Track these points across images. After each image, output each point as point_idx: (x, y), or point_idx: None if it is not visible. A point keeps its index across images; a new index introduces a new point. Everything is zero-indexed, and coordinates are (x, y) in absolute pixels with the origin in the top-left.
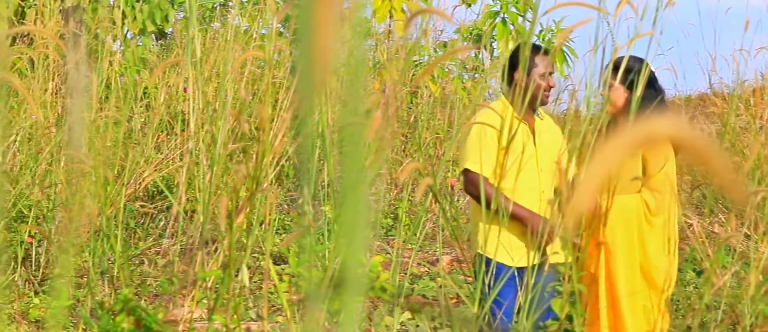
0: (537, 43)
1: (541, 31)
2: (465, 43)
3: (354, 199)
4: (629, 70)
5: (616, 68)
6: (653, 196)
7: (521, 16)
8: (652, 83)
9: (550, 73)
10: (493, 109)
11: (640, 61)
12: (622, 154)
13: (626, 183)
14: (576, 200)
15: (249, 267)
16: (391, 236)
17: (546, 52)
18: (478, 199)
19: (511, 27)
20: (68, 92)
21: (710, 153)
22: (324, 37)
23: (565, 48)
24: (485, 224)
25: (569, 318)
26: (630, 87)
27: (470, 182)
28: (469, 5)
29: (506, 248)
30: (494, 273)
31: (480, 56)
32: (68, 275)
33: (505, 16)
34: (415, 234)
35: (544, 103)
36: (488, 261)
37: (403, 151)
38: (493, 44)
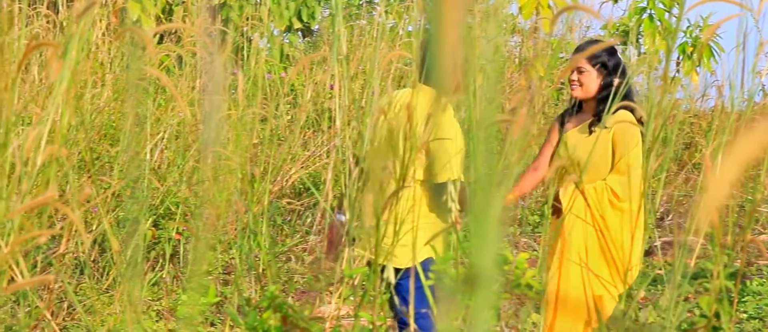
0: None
1: (687, 27)
2: (611, 39)
3: (492, 197)
4: (600, 56)
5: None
6: (620, 181)
7: (668, 11)
8: (622, 71)
9: None
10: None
11: (612, 47)
12: (757, 151)
13: (594, 168)
14: (711, 195)
15: None
16: (538, 233)
17: None
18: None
19: (658, 23)
20: (209, 89)
21: None
22: (452, 35)
23: (712, 43)
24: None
25: (717, 315)
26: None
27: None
28: (616, 1)
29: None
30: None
31: (626, 52)
32: (216, 272)
33: (652, 12)
34: None
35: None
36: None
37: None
38: (639, 40)
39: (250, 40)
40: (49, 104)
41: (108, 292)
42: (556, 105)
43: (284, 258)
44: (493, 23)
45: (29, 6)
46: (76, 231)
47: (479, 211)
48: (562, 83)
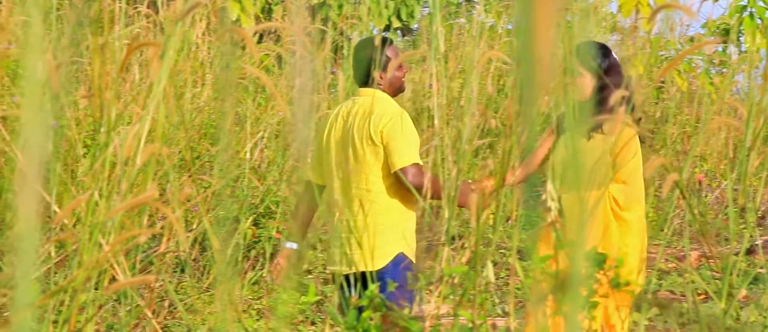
0: (382, 35)
1: None
2: (711, 38)
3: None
4: (593, 58)
5: (582, 55)
6: (622, 190)
7: None
8: (618, 70)
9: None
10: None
11: (606, 48)
12: None
13: (593, 176)
14: None
15: (495, 263)
16: None
17: (391, 42)
18: (422, 191)
19: (759, 21)
20: (308, 89)
21: None
22: (545, 31)
23: None
24: (403, 221)
25: None
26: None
27: (419, 174)
28: (716, 0)
29: (410, 242)
30: (405, 270)
31: (727, 51)
32: (316, 270)
33: (753, 10)
34: (663, 230)
35: (403, 89)
36: (410, 263)
37: (650, 146)
38: (740, 39)
39: (349, 39)
40: (148, 103)
41: (208, 291)
42: (656, 103)
43: None
44: (593, 21)
45: (129, 5)
46: (176, 230)
47: (577, 210)
48: (662, 81)
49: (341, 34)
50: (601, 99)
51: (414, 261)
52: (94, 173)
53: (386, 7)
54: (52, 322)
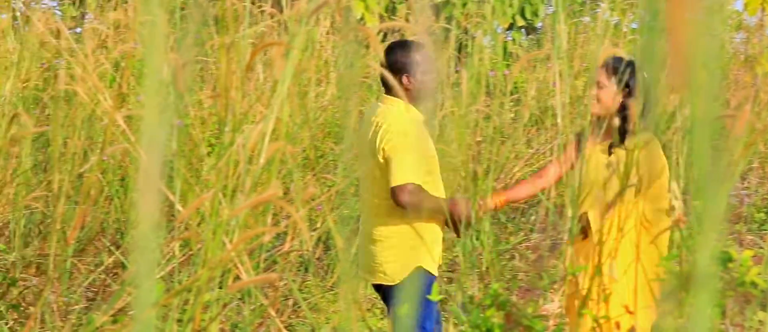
0: (409, 40)
1: None
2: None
3: (717, 193)
4: (621, 70)
5: (609, 67)
6: (650, 209)
7: None
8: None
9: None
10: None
11: (632, 65)
12: None
13: (613, 191)
14: None
15: None
16: (764, 230)
17: (422, 47)
18: (415, 211)
19: None
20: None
21: None
22: (680, 32)
23: None
24: (421, 235)
25: None
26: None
27: (411, 194)
28: None
29: (433, 256)
30: (427, 286)
31: None
32: (439, 270)
33: None
34: None
35: (430, 95)
36: (431, 278)
37: None
38: None
39: (473, 38)
40: (273, 102)
41: (332, 290)
42: None
43: (508, 256)
44: (718, 19)
45: (253, 4)
46: (300, 229)
47: (702, 208)
48: None
49: (465, 32)
50: (625, 116)
51: (434, 273)
52: (218, 172)
53: (510, 5)
54: (176, 321)
